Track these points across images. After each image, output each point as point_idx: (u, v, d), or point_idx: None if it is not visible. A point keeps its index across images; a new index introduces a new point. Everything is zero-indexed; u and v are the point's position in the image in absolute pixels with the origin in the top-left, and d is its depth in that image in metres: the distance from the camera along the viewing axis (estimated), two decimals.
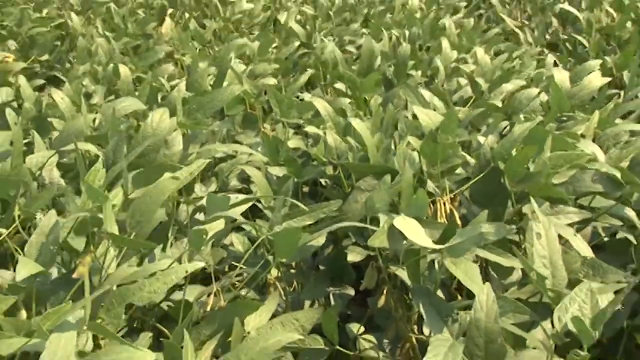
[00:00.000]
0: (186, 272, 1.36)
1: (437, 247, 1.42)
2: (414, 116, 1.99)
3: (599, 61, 2.68)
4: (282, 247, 1.47)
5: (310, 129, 2.12)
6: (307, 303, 1.76)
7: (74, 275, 1.36)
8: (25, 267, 1.28)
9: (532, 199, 1.46)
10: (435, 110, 2.09)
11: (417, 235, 1.42)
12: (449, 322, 1.42)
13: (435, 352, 1.29)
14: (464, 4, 4.57)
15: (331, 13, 3.97)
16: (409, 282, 1.51)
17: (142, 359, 1.15)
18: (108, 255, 1.43)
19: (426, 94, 2.18)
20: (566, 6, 3.87)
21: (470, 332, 1.30)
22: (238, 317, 1.36)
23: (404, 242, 1.48)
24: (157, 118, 1.89)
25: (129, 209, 1.50)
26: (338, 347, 1.51)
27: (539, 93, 2.28)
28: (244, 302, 1.45)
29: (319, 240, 1.59)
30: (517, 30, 3.77)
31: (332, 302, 1.75)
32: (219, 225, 1.56)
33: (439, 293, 1.52)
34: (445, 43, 2.90)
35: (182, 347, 1.22)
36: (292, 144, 2.13)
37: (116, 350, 1.16)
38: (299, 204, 1.61)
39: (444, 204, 1.62)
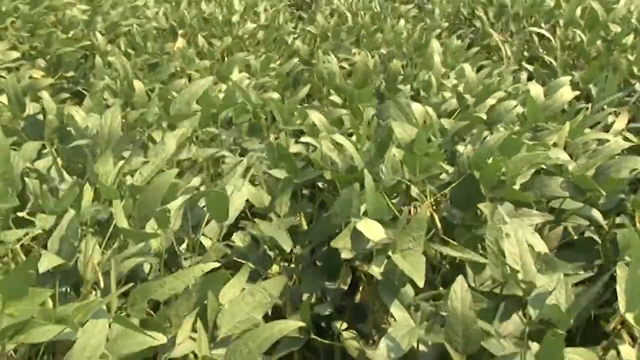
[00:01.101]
0: (202, 271, 1.37)
1: (387, 241, 1.45)
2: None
3: (569, 77, 2.69)
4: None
5: (306, 139, 2.12)
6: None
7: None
8: (48, 260, 1.29)
9: (498, 206, 1.45)
10: (425, 121, 2.11)
11: (374, 233, 1.45)
12: (412, 311, 1.45)
13: (395, 334, 1.34)
14: (446, 24, 4.59)
15: (329, 34, 3.98)
16: (380, 278, 1.51)
17: (154, 342, 1.18)
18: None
19: (418, 106, 2.18)
20: (535, 29, 3.87)
21: (449, 320, 1.32)
22: (212, 291, 1.35)
23: (369, 242, 1.50)
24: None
25: (136, 204, 1.51)
26: (313, 336, 1.50)
27: (516, 105, 2.28)
28: (215, 275, 1.40)
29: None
30: (500, 45, 3.76)
31: (327, 296, 1.74)
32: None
33: (407, 287, 1.52)
34: (436, 58, 2.90)
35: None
36: (293, 149, 2.14)
37: (131, 335, 1.19)
38: None
39: (426, 207, 1.62)
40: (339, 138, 1.86)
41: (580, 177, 1.69)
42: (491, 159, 1.65)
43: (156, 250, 1.51)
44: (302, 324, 1.35)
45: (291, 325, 1.30)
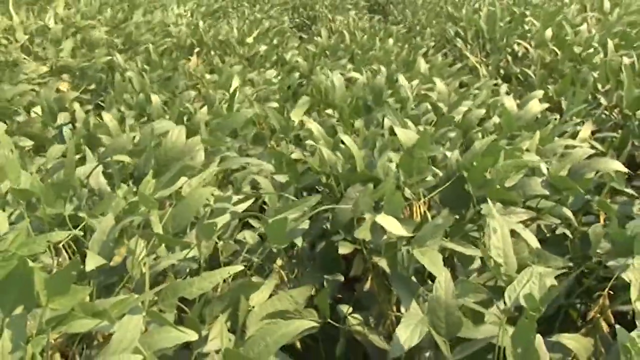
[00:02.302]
0: (229, 273, 1.35)
1: (408, 234, 1.45)
2: (390, 133, 1.99)
3: (542, 91, 2.70)
4: (274, 235, 1.47)
5: (308, 141, 2.11)
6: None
7: (111, 264, 1.37)
8: (93, 260, 1.28)
9: (489, 201, 1.44)
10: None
11: (394, 228, 1.44)
12: (421, 301, 1.43)
13: (407, 323, 1.32)
14: (432, 44, 4.59)
15: (327, 52, 3.97)
16: (388, 270, 1.51)
17: (187, 337, 1.17)
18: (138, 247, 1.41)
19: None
20: (521, 41, 3.89)
21: (432, 307, 1.32)
22: (243, 295, 1.37)
23: (384, 236, 1.49)
24: (175, 134, 1.88)
25: (172, 212, 1.51)
26: (329, 320, 1.50)
27: (493, 116, 2.29)
28: (248, 282, 1.44)
29: (304, 225, 1.58)
30: (476, 64, 3.78)
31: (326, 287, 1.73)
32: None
33: (413, 279, 1.52)
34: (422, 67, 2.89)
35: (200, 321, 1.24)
36: (293, 156, 2.12)
37: (167, 330, 1.18)
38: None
39: (419, 206, 1.61)
40: (347, 140, 1.85)
41: (558, 177, 1.69)
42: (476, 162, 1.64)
43: (197, 256, 1.50)
44: (313, 323, 1.33)
45: (306, 324, 1.28)
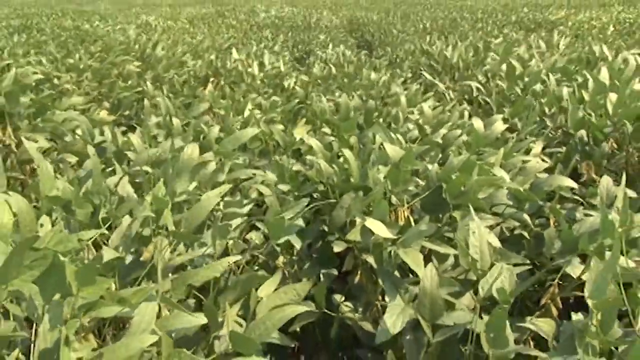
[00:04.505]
0: (229, 263, 1.34)
1: (393, 237, 1.42)
2: (380, 148, 1.94)
3: (501, 115, 2.67)
4: (274, 231, 1.46)
5: (308, 157, 2.07)
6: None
7: (142, 259, 1.34)
8: (109, 253, 1.27)
9: (471, 207, 1.40)
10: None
11: (381, 230, 1.42)
12: (403, 293, 1.39)
13: (391, 312, 1.31)
14: (410, 75, 4.58)
15: (319, 81, 3.94)
16: (375, 266, 1.47)
17: (198, 322, 1.15)
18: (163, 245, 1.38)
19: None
20: (471, 82, 3.86)
21: (419, 296, 1.29)
22: (252, 287, 1.34)
23: (372, 236, 1.46)
24: (189, 151, 1.84)
25: (184, 215, 1.48)
26: (325, 310, 1.47)
27: (461, 134, 2.25)
28: (257, 275, 1.42)
29: (299, 222, 1.57)
30: (445, 91, 3.75)
31: (322, 280, 1.67)
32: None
33: (396, 273, 1.49)
34: (402, 98, 2.86)
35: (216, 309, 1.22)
36: (295, 168, 2.07)
37: (179, 315, 1.16)
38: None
39: (403, 211, 1.56)
40: (347, 154, 1.81)
41: (520, 191, 1.67)
42: (454, 175, 1.61)
43: (213, 253, 1.47)
44: (307, 308, 1.33)
45: (300, 309, 1.27)
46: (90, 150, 1.83)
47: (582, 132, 2.44)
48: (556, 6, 13.66)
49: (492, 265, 1.31)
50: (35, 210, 1.42)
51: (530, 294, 1.70)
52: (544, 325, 1.25)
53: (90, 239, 1.33)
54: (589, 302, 1.12)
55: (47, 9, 16.05)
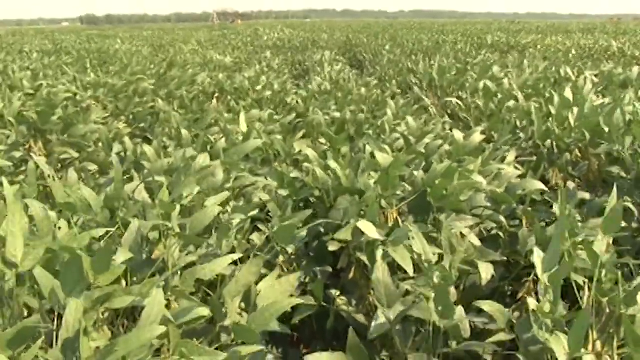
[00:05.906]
0: (232, 260, 1.32)
1: (382, 238, 1.40)
2: (371, 156, 1.93)
3: (480, 128, 2.66)
4: (282, 237, 1.44)
5: (305, 164, 2.05)
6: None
7: (153, 257, 1.30)
8: (123, 254, 1.24)
9: (454, 213, 1.39)
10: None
11: (371, 231, 1.40)
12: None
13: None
14: (399, 91, 4.58)
15: (316, 95, 3.93)
16: (368, 263, 1.45)
17: (202, 312, 1.14)
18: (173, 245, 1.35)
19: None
20: (452, 99, 3.87)
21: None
22: (253, 282, 1.31)
23: (363, 237, 1.44)
24: (201, 160, 1.82)
25: (190, 221, 1.45)
26: (323, 303, 1.45)
27: (442, 144, 2.24)
28: (256, 264, 1.36)
29: (303, 233, 1.55)
30: (430, 105, 3.75)
31: (319, 276, 1.65)
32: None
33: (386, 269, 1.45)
34: (389, 112, 2.85)
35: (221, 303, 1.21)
36: (293, 175, 2.05)
37: (185, 306, 1.14)
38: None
39: (392, 213, 1.54)
40: (333, 164, 1.81)
41: (498, 194, 1.65)
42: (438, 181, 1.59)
43: (219, 252, 1.44)
44: (301, 301, 1.30)
45: (296, 300, 1.25)
46: (114, 159, 1.82)
47: (548, 143, 2.46)
48: (526, 31, 13.76)
49: (470, 263, 1.30)
50: (58, 214, 1.41)
51: (506, 288, 1.70)
52: (493, 309, 1.23)
53: (103, 236, 1.30)
54: (543, 277, 1.12)
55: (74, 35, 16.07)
